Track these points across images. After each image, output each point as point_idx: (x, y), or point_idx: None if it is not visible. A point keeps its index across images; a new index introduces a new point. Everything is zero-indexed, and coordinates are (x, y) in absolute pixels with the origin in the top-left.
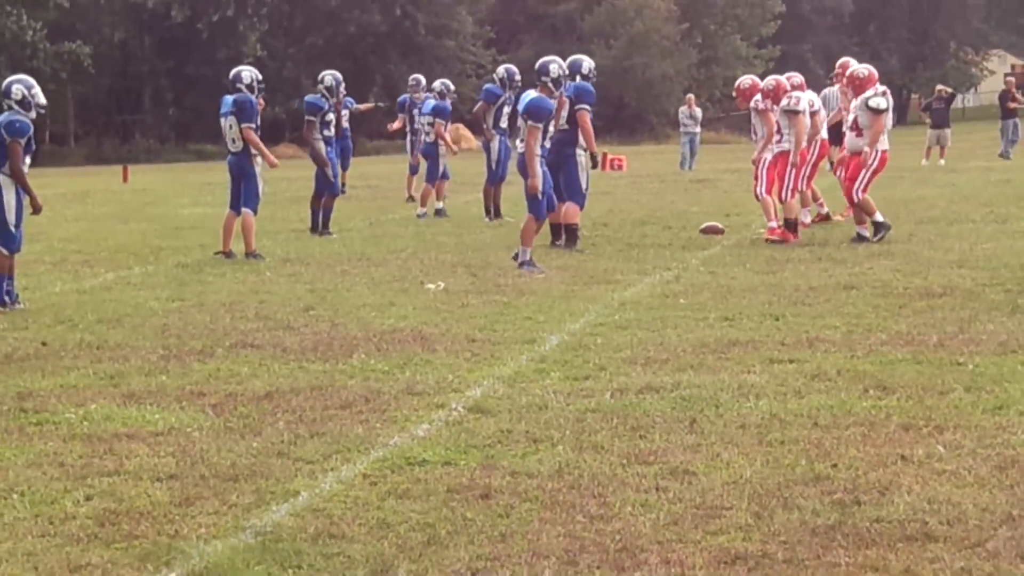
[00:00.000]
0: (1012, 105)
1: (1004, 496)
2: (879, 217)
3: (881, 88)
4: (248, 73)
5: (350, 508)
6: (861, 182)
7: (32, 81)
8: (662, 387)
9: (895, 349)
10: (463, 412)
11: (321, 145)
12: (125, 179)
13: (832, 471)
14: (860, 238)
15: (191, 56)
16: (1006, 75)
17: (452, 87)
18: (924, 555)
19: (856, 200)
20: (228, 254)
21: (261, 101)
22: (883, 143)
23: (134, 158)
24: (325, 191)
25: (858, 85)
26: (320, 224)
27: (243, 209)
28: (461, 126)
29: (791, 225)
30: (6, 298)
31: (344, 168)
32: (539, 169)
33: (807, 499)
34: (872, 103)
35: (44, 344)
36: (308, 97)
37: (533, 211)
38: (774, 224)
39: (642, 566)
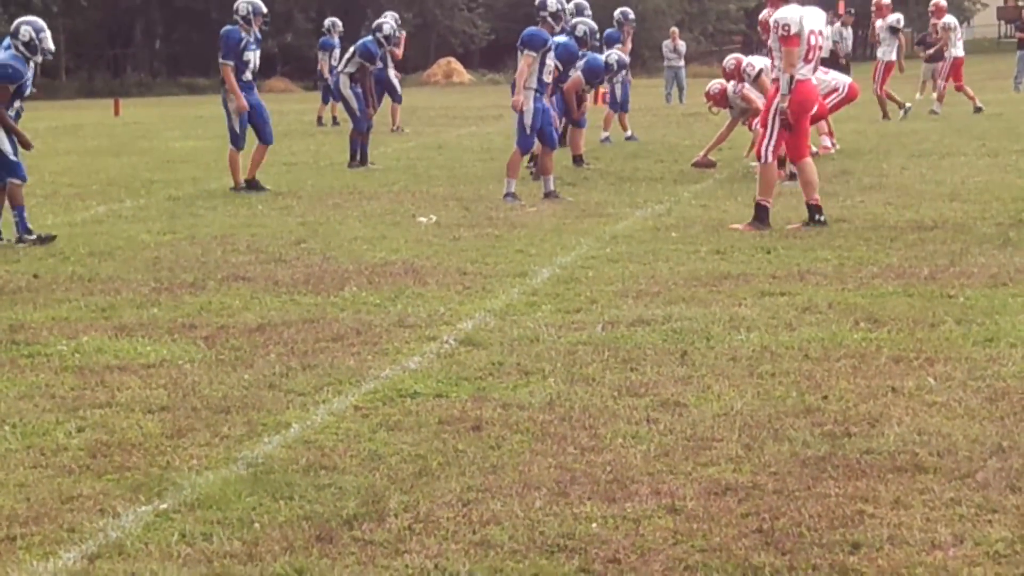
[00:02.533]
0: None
1: (994, 427)
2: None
3: None
4: (244, 5)
5: (341, 440)
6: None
7: (43, 25)
8: (653, 320)
9: (886, 282)
10: (454, 345)
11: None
12: (116, 112)
13: (823, 403)
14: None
15: None
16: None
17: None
18: (914, 486)
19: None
20: (240, 186)
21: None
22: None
23: (125, 91)
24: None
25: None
26: (355, 157)
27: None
28: (452, 60)
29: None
30: (29, 226)
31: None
32: (533, 104)
33: (797, 431)
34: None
35: (36, 277)
36: (368, 43)
37: (520, 144)
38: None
39: (633, 497)
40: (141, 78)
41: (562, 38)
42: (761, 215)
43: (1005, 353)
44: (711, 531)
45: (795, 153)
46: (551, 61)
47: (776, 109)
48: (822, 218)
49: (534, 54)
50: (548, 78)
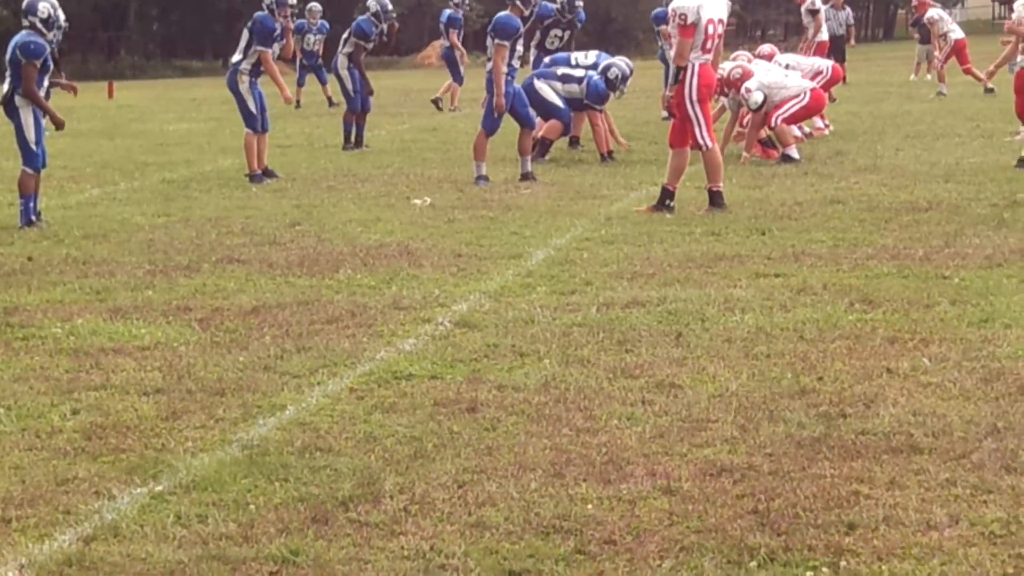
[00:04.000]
0: None
1: (989, 408)
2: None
3: None
4: None
5: (337, 422)
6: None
7: (56, 1)
8: (648, 301)
9: (881, 263)
10: (449, 326)
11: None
12: (111, 95)
13: (818, 384)
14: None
15: None
16: None
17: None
18: (909, 467)
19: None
20: (256, 175)
21: (288, 24)
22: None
23: (119, 74)
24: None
25: None
26: (349, 139)
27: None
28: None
29: (770, 143)
30: (33, 217)
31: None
32: (505, 88)
33: (793, 412)
34: None
35: (30, 259)
36: (361, 21)
37: (485, 126)
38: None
39: (628, 478)
40: (135, 61)
41: (595, 76)
42: (716, 200)
43: (1000, 334)
44: (706, 512)
45: (675, 138)
46: (519, 47)
47: (689, 98)
48: (672, 204)
49: (506, 43)
50: (517, 63)
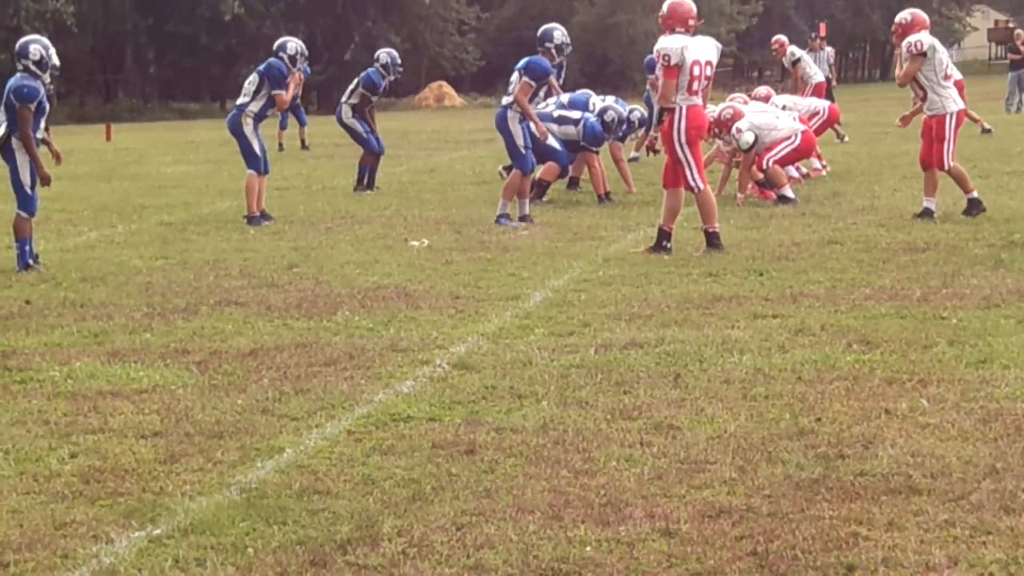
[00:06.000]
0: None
1: (987, 449)
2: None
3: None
4: (293, 45)
5: (335, 464)
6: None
7: (48, 42)
8: (646, 343)
9: (879, 304)
10: (447, 368)
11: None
12: (108, 138)
13: (816, 425)
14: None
15: (171, 13)
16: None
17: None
18: (908, 508)
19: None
20: (255, 217)
21: (299, 75)
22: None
23: (117, 116)
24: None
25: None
26: (362, 181)
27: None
28: (444, 84)
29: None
30: (30, 260)
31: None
32: (518, 126)
33: (791, 453)
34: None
35: (28, 302)
36: (371, 73)
37: (519, 166)
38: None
39: (627, 520)
40: (133, 103)
41: (592, 118)
42: (713, 241)
43: (998, 375)
44: (705, 554)
45: (668, 179)
46: (542, 92)
47: (678, 141)
48: (669, 245)
49: (533, 84)
50: (533, 107)
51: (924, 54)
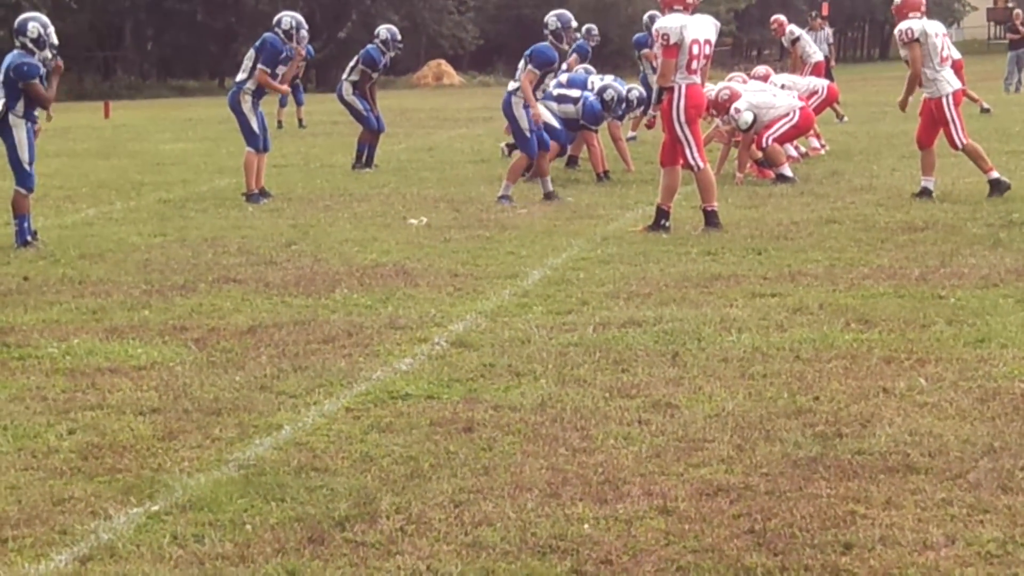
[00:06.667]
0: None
1: (985, 428)
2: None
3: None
4: (288, 19)
5: (333, 441)
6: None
7: (47, 20)
8: (644, 321)
9: (877, 283)
10: (446, 346)
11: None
12: (107, 115)
13: (814, 404)
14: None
15: None
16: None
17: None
18: (905, 487)
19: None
20: (254, 194)
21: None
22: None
23: (115, 94)
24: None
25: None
26: (360, 159)
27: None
28: (443, 62)
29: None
30: (29, 237)
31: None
32: (522, 110)
33: (789, 432)
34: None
35: (26, 279)
36: (371, 50)
37: (524, 150)
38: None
39: (624, 498)
40: (131, 80)
41: (591, 97)
42: (711, 220)
43: (996, 354)
44: (703, 532)
45: (665, 157)
46: (547, 80)
47: (677, 120)
48: (668, 224)
49: (538, 72)
50: (540, 94)
51: (917, 40)
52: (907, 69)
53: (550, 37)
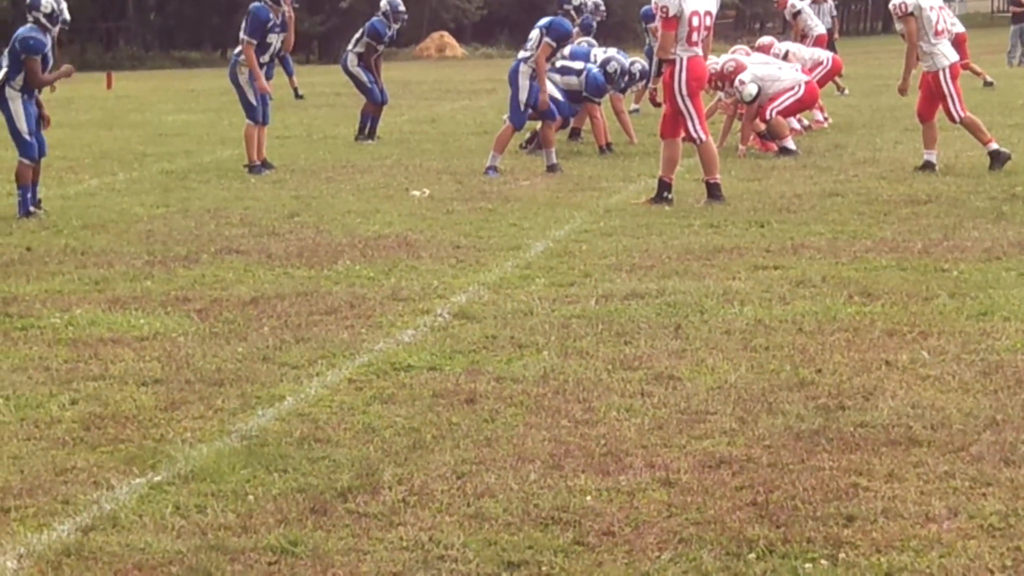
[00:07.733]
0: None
1: (988, 401)
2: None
3: None
4: None
5: (335, 413)
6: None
7: None
8: (647, 293)
9: (880, 256)
10: (448, 318)
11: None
12: (109, 86)
13: (816, 376)
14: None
15: None
16: None
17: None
18: (908, 459)
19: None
20: (256, 166)
21: (289, 11)
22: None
23: (118, 65)
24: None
25: None
26: (363, 130)
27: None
28: (445, 34)
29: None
30: (32, 207)
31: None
32: (528, 82)
33: (791, 404)
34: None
35: (29, 249)
36: (375, 22)
37: (513, 120)
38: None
39: (627, 470)
40: (134, 51)
41: (595, 69)
42: (714, 192)
43: (999, 327)
44: (705, 504)
45: (666, 129)
46: (561, 51)
47: (679, 92)
48: (670, 196)
49: (553, 44)
50: (548, 65)
51: (911, 14)
52: (905, 43)
53: (571, 12)
